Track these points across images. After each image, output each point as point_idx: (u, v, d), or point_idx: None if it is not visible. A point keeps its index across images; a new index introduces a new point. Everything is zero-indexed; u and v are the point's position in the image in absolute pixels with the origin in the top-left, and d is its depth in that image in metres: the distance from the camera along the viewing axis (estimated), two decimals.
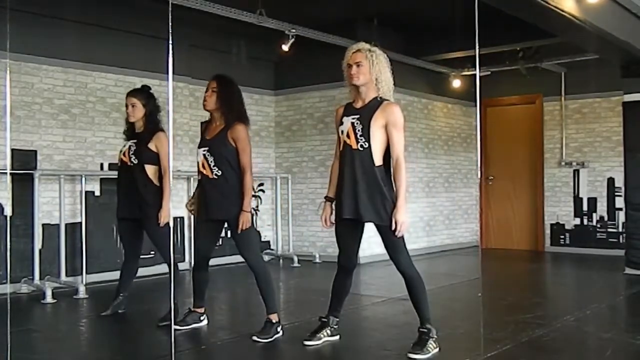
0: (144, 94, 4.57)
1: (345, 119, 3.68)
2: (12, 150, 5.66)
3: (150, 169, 4.49)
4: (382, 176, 3.59)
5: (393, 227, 3.52)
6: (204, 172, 4.09)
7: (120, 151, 4.67)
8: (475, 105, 9.18)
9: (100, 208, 6.33)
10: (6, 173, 5.54)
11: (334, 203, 3.78)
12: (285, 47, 6.59)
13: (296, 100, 8.22)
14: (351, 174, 3.62)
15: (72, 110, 6.18)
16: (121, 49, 6.54)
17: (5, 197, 5.62)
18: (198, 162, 4.14)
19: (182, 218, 7.06)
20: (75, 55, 6.17)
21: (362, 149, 3.57)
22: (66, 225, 5.98)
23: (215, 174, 4.05)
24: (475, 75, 8.50)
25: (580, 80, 8.52)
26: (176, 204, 6.45)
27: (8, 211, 5.60)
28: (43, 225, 5.88)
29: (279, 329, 4.02)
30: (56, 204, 5.96)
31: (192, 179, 7.15)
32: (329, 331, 3.89)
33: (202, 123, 4.36)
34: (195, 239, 4.30)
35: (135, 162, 4.51)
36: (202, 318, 4.36)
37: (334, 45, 7.02)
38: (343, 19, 7.27)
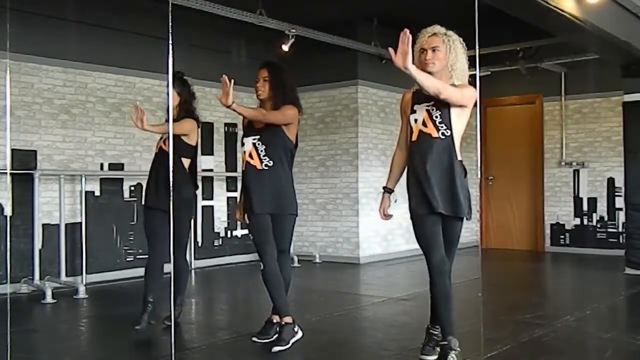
0: (177, 81, 4.32)
1: (417, 106, 3.43)
2: (12, 150, 5.67)
3: (185, 159, 4.27)
4: (460, 167, 3.44)
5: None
6: (251, 162, 3.83)
7: (160, 138, 4.40)
8: (475, 105, 9.17)
9: (100, 208, 6.33)
10: (6, 173, 5.55)
11: (392, 194, 3.55)
12: (285, 47, 6.59)
13: None
14: (431, 164, 3.35)
15: (72, 110, 6.18)
16: (121, 49, 6.54)
17: (5, 197, 5.62)
18: (244, 152, 3.90)
19: None
20: (75, 55, 6.16)
21: (443, 137, 3.40)
22: (66, 225, 5.98)
23: (266, 165, 3.82)
24: (475, 75, 8.47)
25: (580, 80, 8.51)
26: None
27: (8, 211, 5.60)
28: (43, 225, 5.88)
29: (295, 329, 3.83)
30: (56, 204, 5.96)
31: None
32: (436, 340, 3.50)
33: None
34: (261, 234, 3.82)
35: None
36: (295, 329, 3.84)
37: (334, 45, 7.02)
38: (343, 19, 7.27)
